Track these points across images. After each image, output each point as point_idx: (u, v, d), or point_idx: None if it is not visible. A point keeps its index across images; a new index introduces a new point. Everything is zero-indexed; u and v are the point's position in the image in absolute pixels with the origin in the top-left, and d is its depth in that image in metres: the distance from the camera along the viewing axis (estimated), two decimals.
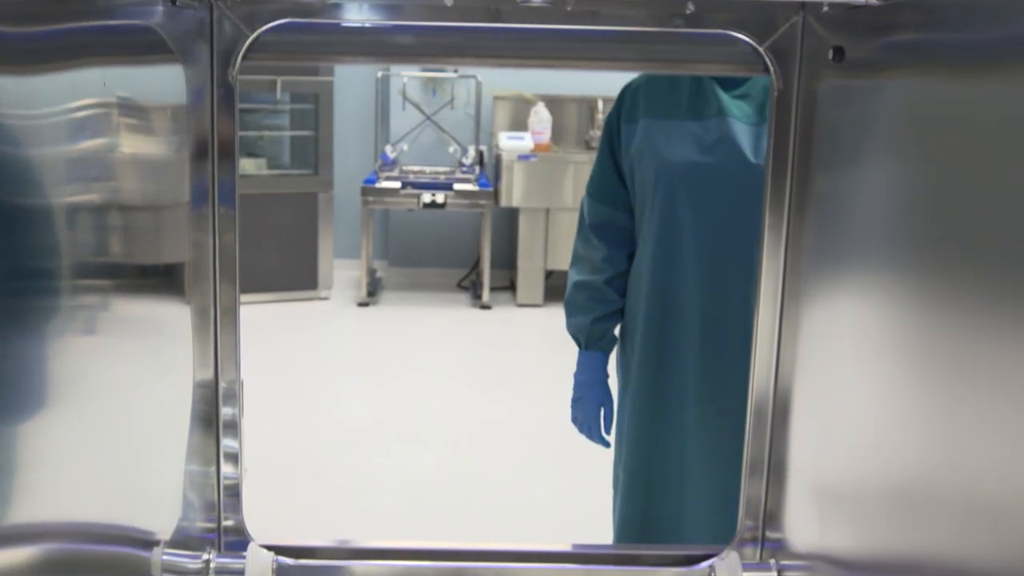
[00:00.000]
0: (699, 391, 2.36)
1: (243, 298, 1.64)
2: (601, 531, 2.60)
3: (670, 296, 2.38)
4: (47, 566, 0.97)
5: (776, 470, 1.65)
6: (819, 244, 1.50)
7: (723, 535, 2.32)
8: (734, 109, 2.31)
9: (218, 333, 1.63)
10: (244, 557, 1.58)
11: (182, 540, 1.48)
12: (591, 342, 2.55)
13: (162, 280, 1.45)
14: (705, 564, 1.70)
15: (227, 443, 1.68)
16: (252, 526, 1.69)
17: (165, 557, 1.38)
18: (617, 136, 2.43)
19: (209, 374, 1.63)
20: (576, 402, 2.58)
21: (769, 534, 1.67)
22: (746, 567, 1.62)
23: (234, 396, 1.67)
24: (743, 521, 1.70)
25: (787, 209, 1.58)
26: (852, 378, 1.34)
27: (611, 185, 2.48)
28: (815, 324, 1.51)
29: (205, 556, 1.57)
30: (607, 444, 2.57)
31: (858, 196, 1.35)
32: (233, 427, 1.68)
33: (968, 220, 1.05)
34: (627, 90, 2.44)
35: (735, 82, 2.31)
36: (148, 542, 1.32)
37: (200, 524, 1.60)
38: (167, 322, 1.48)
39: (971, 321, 1.04)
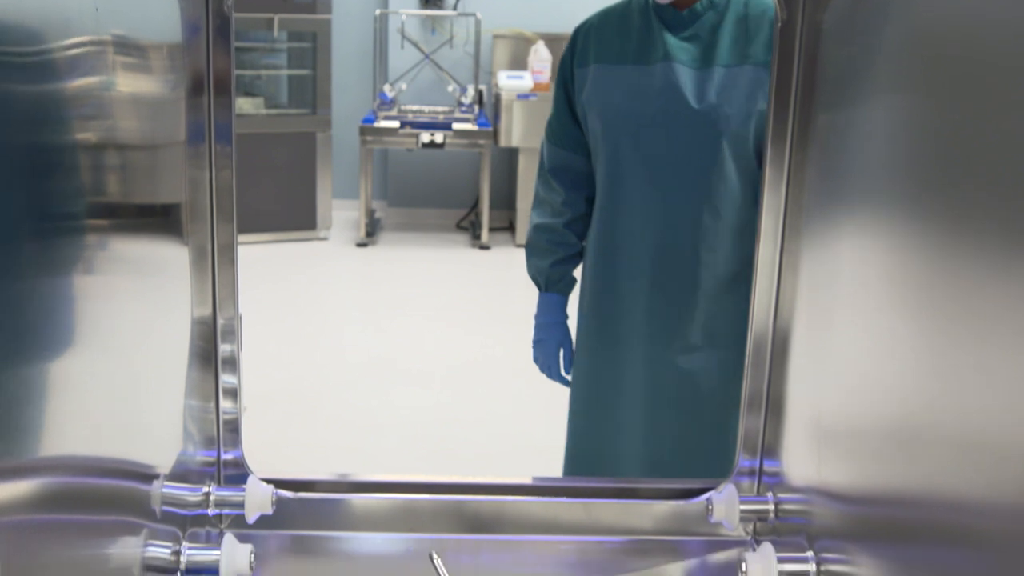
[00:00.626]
0: (645, 333, 2.42)
1: (242, 238, 1.64)
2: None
3: (618, 239, 2.42)
4: (47, 500, 0.98)
5: (774, 405, 1.65)
6: (821, 179, 1.48)
7: (668, 474, 2.37)
8: (680, 53, 2.30)
9: (216, 271, 1.63)
10: (244, 490, 1.59)
11: (182, 473, 1.49)
12: (550, 284, 2.59)
13: (160, 219, 1.45)
14: (702, 497, 1.71)
15: (226, 379, 1.69)
16: (252, 462, 1.70)
17: (165, 489, 1.38)
18: (571, 80, 2.44)
19: (207, 311, 1.63)
20: (537, 344, 2.65)
21: (766, 468, 1.68)
22: (743, 499, 1.63)
23: (232, 333, 1.68)
24: (740, 455, 1.71)
25: (789, 143, 1.57)
26: (852, 314, 1.34)
27: (567, 129, 2.50)
28: (815, 259, 1.50)
29: (205, 489, 1.58)
30: (567, 383, 2.63)
31: (862, 131, 1.33)
32: (232, 363, 1.69)
33: (975, 159, 1.03)
34: (579, 32, 2.44)
35: (682, 23, 2.30)
36: (148, 475, 1.33)
37: (200, 458, 1.61)
38: (165, 260, 1.47)
39: (972, 260, 1.03)
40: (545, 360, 2.62)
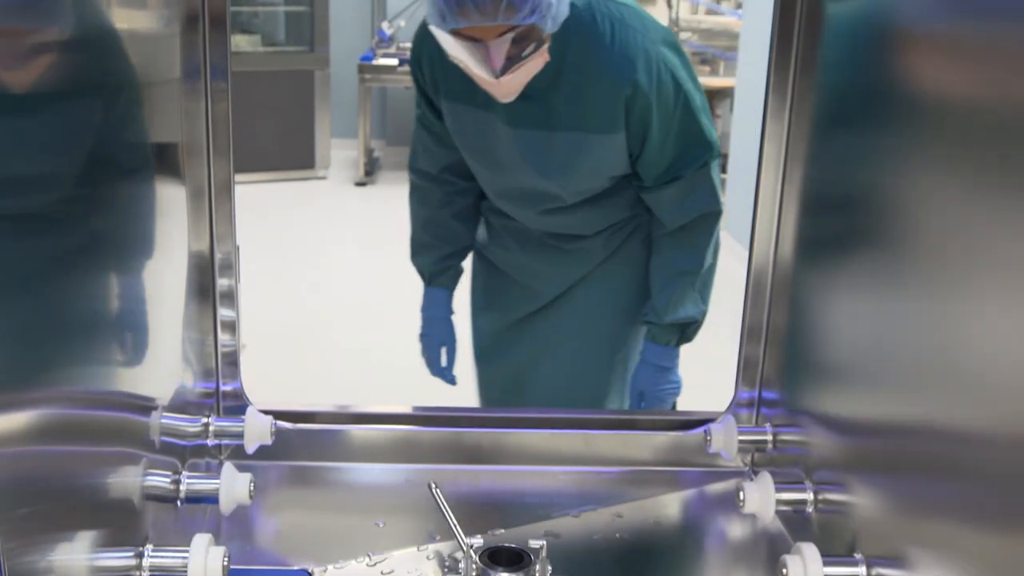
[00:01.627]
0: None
1: (239, 177, 1.63)
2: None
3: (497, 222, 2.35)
4: (47, 431, 0.98)
5: (774, 337, 1.65)
6: (824, 107, 1.46)
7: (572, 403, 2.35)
8: (516, 113, 2.03)
9: (213, 206, 1.62)
10: (243, 420, 1.60)
11: (180, 405, 1.49)
12: (433, 278, 2.45)
13: (156, 155, 1.43)
14: (701, 428, 1.72)
15: (224, 312, 1.68)
16: (251, 397, 1.70)
17: (164, 420, 1.39)
18: (427, 91, 2.21)
19: (205, 246, 1.62)
20: (421, 337, 2.53)
21: (765, 399, 1.69)
22: (741, 430, 1.63)
23: (230, 267, 1.67)
24: (739, 387, 1.71)
25: (792, 69, 1.54)
26: (854, 246, 1.33)
27: (436, 124, 2.27)
28: (818, 189, 1.49)
29: (204, 420, 1.58)
30: (452, 381, 2.53)
31: (867, 58, 1.31)
32: (230, 297, 1.68)
33: (981, 81, 1.02)
34: (422, 54, 2.14)
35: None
36: (147, 407, 1.33)
37: (199, 390, 1.61)
38: (163, 197, 1.46)
39: (971, 196, 1.03)
40: (428, 358, 2.50)
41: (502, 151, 2.07)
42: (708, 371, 2.78)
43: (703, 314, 2.21)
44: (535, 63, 1.85)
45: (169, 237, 1.49)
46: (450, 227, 2.35)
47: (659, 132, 1.96)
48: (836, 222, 1.40)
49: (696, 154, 2.02)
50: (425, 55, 2.10)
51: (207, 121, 1.57)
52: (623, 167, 2.03)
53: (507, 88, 1.88)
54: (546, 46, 1.84)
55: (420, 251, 2.43)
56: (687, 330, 2.22)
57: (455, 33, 1.82)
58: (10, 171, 0.91)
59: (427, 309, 2.46)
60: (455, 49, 1.84)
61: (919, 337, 1.14)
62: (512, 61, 1.80)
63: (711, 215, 2.10)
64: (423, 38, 2.07)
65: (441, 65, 2.03)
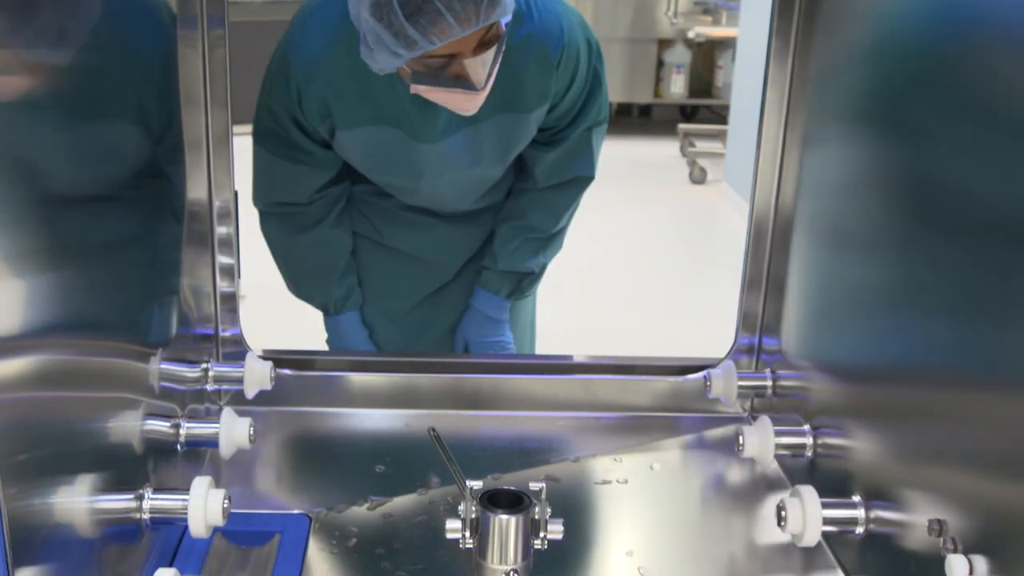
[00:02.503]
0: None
1: (238, 129, 1.61)
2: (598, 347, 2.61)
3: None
4: (46, 376, 0.98)
5: (774, 284, 1.64)
6: (827, 56, 1.45)
7: None
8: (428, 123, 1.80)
9: (211, 153, 1.61)
10: (242, 366, 1.59)
11: (179, 351, 1.49)
12: (343, 303, 2.04)
13: (153, 103, 1.42)
14: (701, 374, 1.72)
15: (223, 259, 1.68)
16: (251, 344, 1.70)
17: (163, 366, 1.38)
18: (312, 121, 1.82)
19: (203, 193, 1.61)
20: None
21: (765, 346, 1.68)
22: (741, 376, 1.63)
23: (228, 215, 1.66)
24: (739, 333, 1.71)
25: (796, 17, 1.52)
26: (855, 194, 1.32)
27: (311, 154, 1.89)
28: (820, 136, 1.47)
29: (203, 365, 1.58)
30: None
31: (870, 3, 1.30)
32: (228, 244, 1.68)
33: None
34: (299, 78, 1.78)
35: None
36: (146, 353, 1.32)
37: (198, 336, 1.61)
38: (161, 145, 1.45)
39: (969, 147, 1.02)
40: None
41: (427, 160, 1.84)
42: (706, 319, 2.79)
43: (542, 268, 2.08)
44: (497, 59, 1.62)
45: (167, 185, 1.48)
46: (336, 239, 1.99)
47: (572, 93, 1.85)
48: (839, 171, 1.39)
49: (591, 117, 1.91)
50: (310, 93, 1.76)
51: (204, 70, 1.56)
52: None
53: (482, 99, 1.66)
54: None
55: (312, 281, 2.03)
56: (522, 282, 2.07)
57: (424, 58, 1.58)
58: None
59: (346, 339, 2.05)
60: (421, 78, 1.60)
61: (920, 284, 1.13)
62: (492, 65, 1.60)
63: (585, 179, 1.98)
64: (305, 75, 1.76)
65: (335, 96, 1.76)
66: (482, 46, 1.59)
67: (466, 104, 1.67)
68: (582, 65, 1.83)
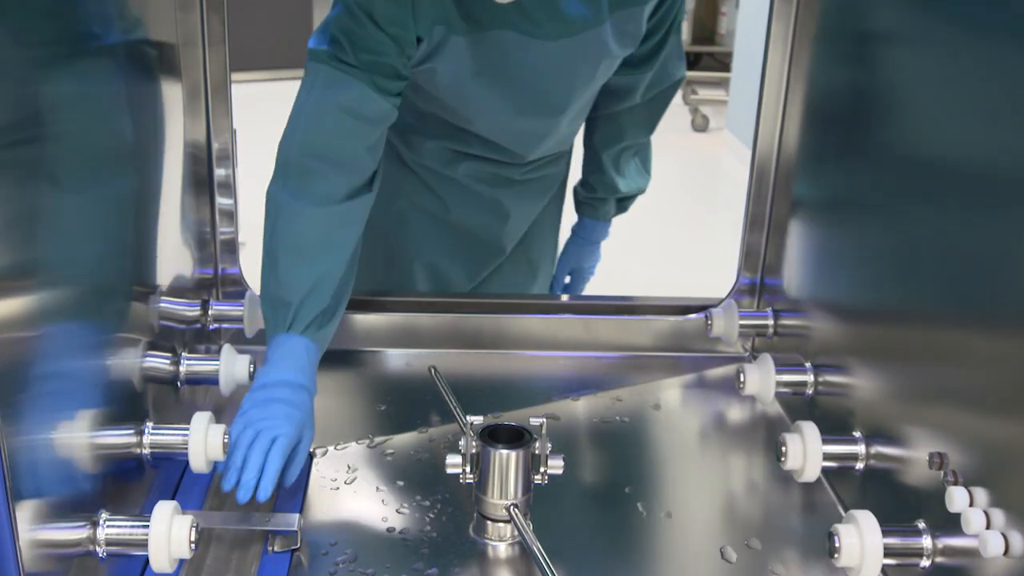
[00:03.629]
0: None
1: (236, 76, 1.61)
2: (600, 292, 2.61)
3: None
4: (45, 312, 0.97)
5: (776, 225, 1.63)
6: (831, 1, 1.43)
7: None
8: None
9: (210, 97, 1.60)
10: (242, 304, 1.59)
11: (179, 289, 1.48)
12: (311, 323, 1.45)
13: (152, 49, 1.40)
14: (702, 313, 1.71)
15: (222, 200, 1.67)
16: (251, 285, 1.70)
17: (163, 304, 1.38)
18: (424, 32, 1.53)
19: (201, 136, 1.60)
20: (246, 424, 1.32)
21: (767, 285, 1.68)
22: (743, 315, 1.63)
23: (227, 157, 1.65)
24: (741, 272, 1.70)
25: None
26: (857, 139, 1.31)
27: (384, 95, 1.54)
28: (824, 73, 1.46)
29: (202, 304, 1.57)
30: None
31: None
32: (227, 186, 1.67)
33: None
34: None
35: None
36: (145, 292, 1.32)
37: (197, 275, 1.60)
38: (160, 89, 1.43)
39: (977, 93, 1.00)
40: (246, 461, 1.28)
41: (544, 67, 1.60)
42: (708, 267, 2.78)
43: (647, 183, 2.05)
44: None
45: (166, 128, 1.47)
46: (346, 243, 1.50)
47: None
48: (842, 113, 1.37)
49: (681, 15, 1.78)
50: None
51: (201, 12, 1.54)
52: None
53: None
54: None
55: (288, 278, 1.45)
56: (627, 201, 2.03)
57: None
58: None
59: (277, 371, 1.38)
60: None
61: (921, 226, 1.13)
62: None
63: (679, 81, 1.88)
64: None
65: None
66: None
67: None
68: None
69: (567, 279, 2.11)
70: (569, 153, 1.98)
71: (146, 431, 1.24)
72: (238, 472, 1.26)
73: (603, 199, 2.00)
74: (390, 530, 1.27)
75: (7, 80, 0.90)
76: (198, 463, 1.26)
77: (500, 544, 1.24)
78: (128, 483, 1.22)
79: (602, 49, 1.62)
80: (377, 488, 1.37)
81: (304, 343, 1.41)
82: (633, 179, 2.00)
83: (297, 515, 1.26)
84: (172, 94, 1.49)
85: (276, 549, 1.24)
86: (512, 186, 1.86)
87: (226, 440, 1.26)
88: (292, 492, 1.33)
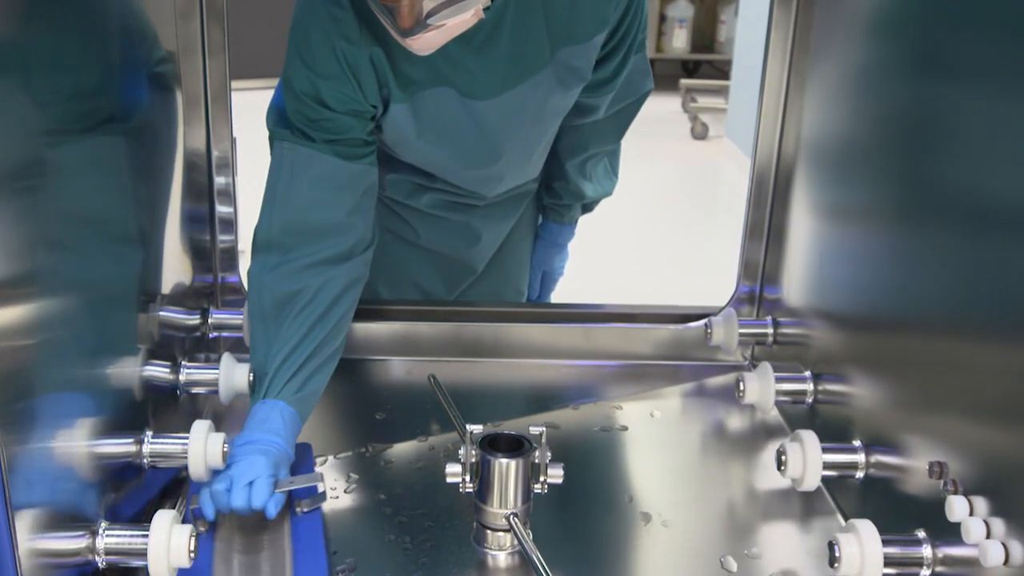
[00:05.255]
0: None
1: (236, 84, 1.61)
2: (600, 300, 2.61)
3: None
4: (46, 321, 0.97)
5: (776, 234, 1.63)
6: (829, 10, 1.43)
7: None
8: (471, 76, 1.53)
9: (209, 104, 1.60)
10: (242, 313, 1.59)
11: (179, 298, 1.48)
12: (286, 386, 1.43)
13: (154, 58, 1.41)
14: (701, 322, 1.71)
15: (222, 208, 1.67)
16: None
17: (163, 313, 1.38)
18: (365, 97, 1.52)
19: (201, 144, 1.61)
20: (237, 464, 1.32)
21: (766, 294, 1.68)
22: (742, 323, 1.63)
23: (227, 165, 1.65)
24: (741, 281, 1.70)
25: None
26: (857, 144, 1.31)
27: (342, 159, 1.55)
28: (822, 86, 1.46)
29: (202, 312, 1.57)
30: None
31: None
32: (227, 194, 1.67)
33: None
34: (359, 59, 1.48)
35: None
36: (145, 300, 1.32)
37: (197, 284, 1.60)
38: (160, 98, 1.44)
39: (973, 101, 1.01)
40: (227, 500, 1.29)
41: (484, 124, 1.59)
42: (708, 274, 2.78)
43: (614, 187, 1.98)
44: (464, 21, 1.37)
45: (167, 137, 1.47)
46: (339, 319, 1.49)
47: (632, 16, 1.61)
48: (842, 120, 1.38)
49: (642, 35, 1.69)
50: (360, 61, 1.47)
51: (201, 21, 1.54)
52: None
53: (423, 44, 1.39)
54: (477, 8, 1.36)
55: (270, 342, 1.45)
56: (593, 204, 1.99)
57: None
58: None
59: (246, 433, 1.36)
60: None
61: (921, 233, 1.13)
62: (430, 17, 1.34)
63: (645, 94, 1.81)
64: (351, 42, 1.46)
65: (387, 58, 1.48)
66: None
67: (407, 44, 1.39)
68: None
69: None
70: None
71: (146, 440, 1.24)
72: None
73: (568, 205, 1.96)
74: (390, 539, 1.27)
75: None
76: (198, 471, 1.25)
77: (500, 553, 1.24)
78: (128, 492, 1.21)
79: (547, 92, 1.59)
80: (377, 497, 1.37)
81: (277, 405, 1.39)
82: (600, 183, 1.95)
83: (319, 473, 1.34)
84: (172, 102, 1.49)
85: (304, 509, 1.29)
86: (479, 210, 1.83)
87: (225, 449, 1.26)
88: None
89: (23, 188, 0.94)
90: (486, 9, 1.40)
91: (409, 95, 1.51)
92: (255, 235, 1.51)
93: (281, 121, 1.53)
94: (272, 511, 1.26)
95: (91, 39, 1.16)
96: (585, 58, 1.58)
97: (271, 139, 1.53)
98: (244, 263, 1.72)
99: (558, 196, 1.92)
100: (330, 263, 1.47)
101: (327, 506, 1.33)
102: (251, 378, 1.45)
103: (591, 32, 1.55)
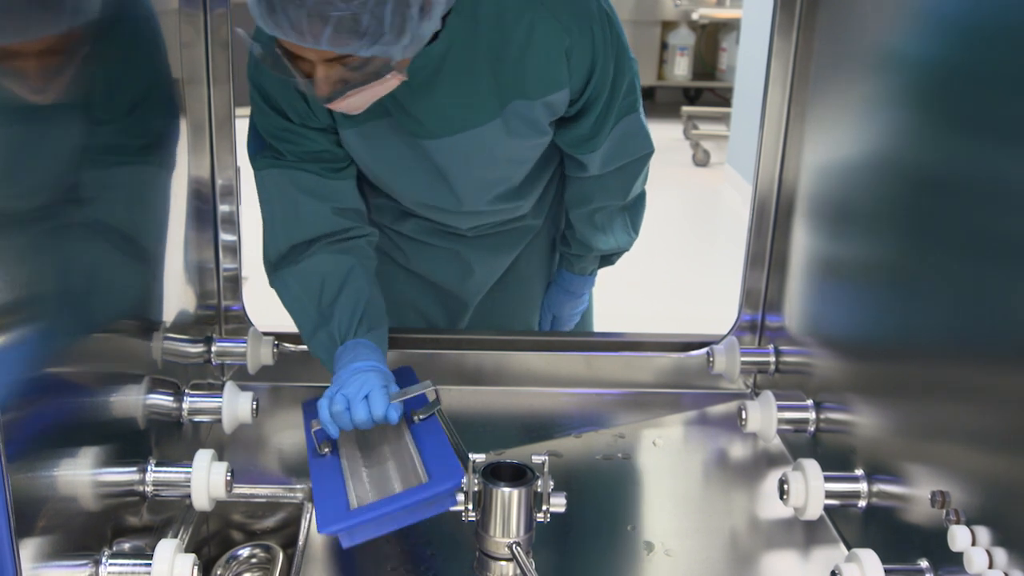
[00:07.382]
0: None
1: (240, 111, 1.61)
2: (602, 327, 2.61)
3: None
4: (49, 352, 0.98)
5: (777, 262, 1.64)
6: (832, 32, 1.44)
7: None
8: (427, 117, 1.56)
9: (214, 133, 1.61)
10: (245, 341, 1.60)
11: (182, 326, 1.49)
12: (354, 330, 1.56)
13: (157, 87, 1.42)
14: (703, 350, 1.72)
15: (226, 236, 1.68)
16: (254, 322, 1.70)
17: (166, 342, 1.38)
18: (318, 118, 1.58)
19: (206, 172, 1.62)
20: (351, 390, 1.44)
21: (768, 323, 1.68)
22: (744, 351, 1.63)
23: (231, 193, 1.66)
24: (742, 310, 1.71)
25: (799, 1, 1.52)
26: (859, 173, 1.31)
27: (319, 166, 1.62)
28: (821, 115, 1.47)
29: (206, 341, 1.58)
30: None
31: None
32: (231, 222, 1.68)
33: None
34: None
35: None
36: (149, 329, 1.33)
37: (201, 312, 1.61)
38: (164, 126, 1.45)
39: (974, 128, 1.01)
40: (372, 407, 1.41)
41: (434, 160, 1.61)
42: (709, 302, 2.79)
43: (631, 243, 1.95)
44: (385, 85, 1.38)
45: (170, 165, 1.48)
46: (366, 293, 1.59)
47: (600, 73, 1.58)
48: (842, 149, 1.38)
49: (630, 99, 1.68)
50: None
51: (206, 49, 1.56)
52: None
53: (348, 107, 1.41)
54: (396, 72, 1.36)
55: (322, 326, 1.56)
56: (612, 257, 1.96)
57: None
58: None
59: (352, 360, 1.48)
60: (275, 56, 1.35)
61: (922, 261, 1.13)
62: (347, 87, 1.35)
63: (644, 156, 1.81)
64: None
65: None
66: (334, 63, 1.33)
67: (333, 107, 1.41)
68: (603, 42, 1.58)
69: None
70: (550, 208, 1.91)
71: (149, 469, 1.24)
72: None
73: (578, 255, 1.92)
74: (393, 568, 1.27)
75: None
76: (200, 501, 1.26)
77: None
78: (130, 520, 1.21)
79: (497, 140, 1.58)
80: None
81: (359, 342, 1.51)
82: (616, 236, 1.91)
83: (429, 381, 1.41)
84: (176, 130, 1.50)
85: (422, 416, 1.38)
86: (468, 240, 1.81)
87: (229, 478, 1.26)
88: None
89: (36, 217, 0.94)
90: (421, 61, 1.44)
91: (355, 123, 1.55)
92: (265, 257, 1.60)
93: (258, 142, 1.58)
94: (395, 417, 1.36)
95: (118, 68, 1.17)
96: (544, 113, 1.58)
97: (252, 165, 1.60)
98: (248, 291, 1.73)
99: (567, 244, 1.92)
100: (343, 251, 1.58)
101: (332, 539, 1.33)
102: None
103: (543, 91, 1.55)
